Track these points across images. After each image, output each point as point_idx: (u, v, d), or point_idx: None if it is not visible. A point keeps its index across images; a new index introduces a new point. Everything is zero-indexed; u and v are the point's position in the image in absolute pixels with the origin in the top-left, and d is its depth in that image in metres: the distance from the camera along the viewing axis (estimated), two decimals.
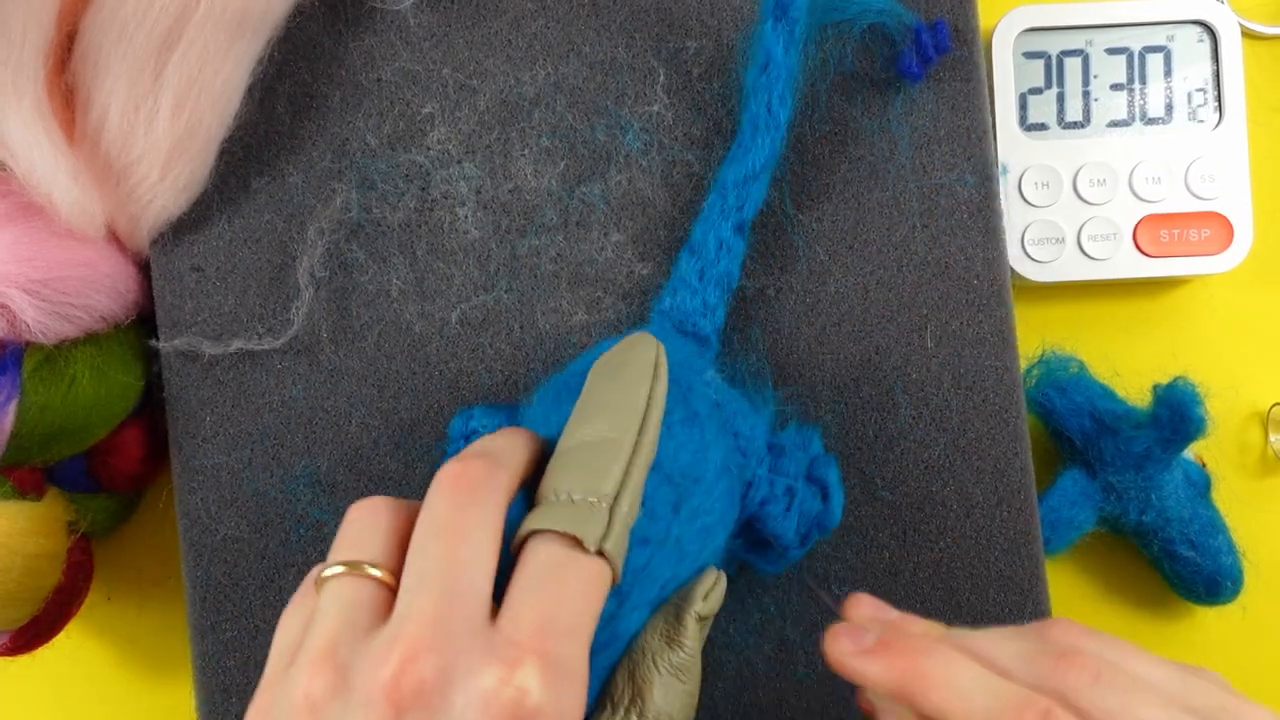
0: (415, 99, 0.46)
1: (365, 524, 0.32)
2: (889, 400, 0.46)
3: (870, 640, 0.33)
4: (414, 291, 0.46)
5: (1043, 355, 0.50)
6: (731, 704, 0.45)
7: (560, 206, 0.46)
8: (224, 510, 0.46)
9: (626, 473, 0.31)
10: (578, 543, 0.30)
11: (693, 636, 0.34)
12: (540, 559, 0.30)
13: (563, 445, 0.33)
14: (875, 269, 0.46)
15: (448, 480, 0.31)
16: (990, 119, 0.47)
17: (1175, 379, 0.47)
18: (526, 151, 0.46)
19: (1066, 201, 0.51)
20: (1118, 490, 0.49)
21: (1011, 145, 0.51)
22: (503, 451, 0.33)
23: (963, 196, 0.46)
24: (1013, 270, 0.50)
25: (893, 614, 0.36)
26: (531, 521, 0.31)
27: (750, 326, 0.46)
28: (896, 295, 0.46)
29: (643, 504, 0.33)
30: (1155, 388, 0.48)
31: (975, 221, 0.46)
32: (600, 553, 0.30)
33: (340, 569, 0.31)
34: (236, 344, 0.46)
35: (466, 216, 0.46)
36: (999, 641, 0.33)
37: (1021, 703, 0.30)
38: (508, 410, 0.43)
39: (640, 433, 0.32)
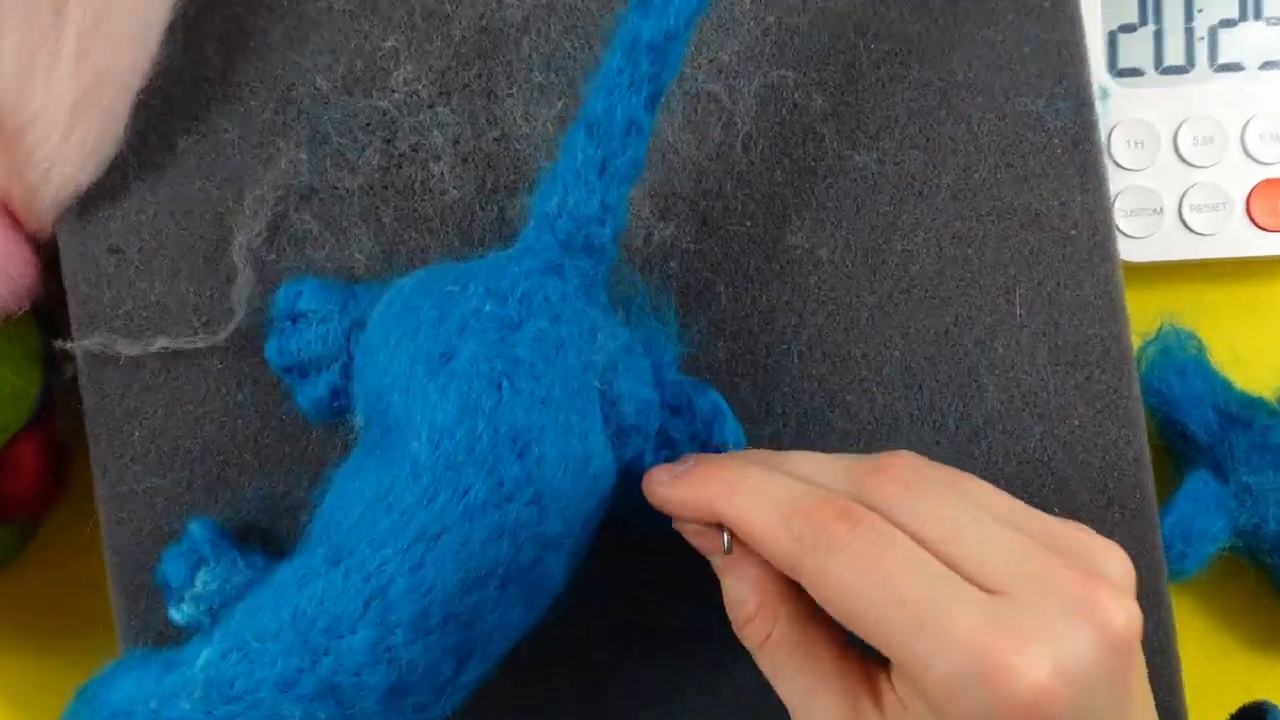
0: (374, 31, 0.41)
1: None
2: (972, 382, 0.40)
3: (683, 468, 0.34)
4: (381, 268, 0.41)
5: (1161, 330, 0.45)
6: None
7: (558, 157, 0.39)
8: (161, 545, 0.40)
9: None
10: None
11: None
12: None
13: None
14: (950, 220, 0.41)
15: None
16: (1084, 28, 0.41)
17: None
18: (515, 90, 0.41)
19: (1165, 164, 0.46)
20: (1254, 494, 0.44)
21: (1097, 95, 0.45)
22: None
23: (1054, 127, 0.41)
24: None
25: None
26: None
27: (796, 297, 0.40)
28: (977, 252, 0.41)
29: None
30: None
31: (1070, 158, 0.41)
32: None
33: None
34: (163, 341, 0.40)
35: (443, 173, 0.41)
36: (821, 460, 0.33)
37: (821, 501, 0.30)
38: (345, 293, 0.38)
39: None
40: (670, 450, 0.37)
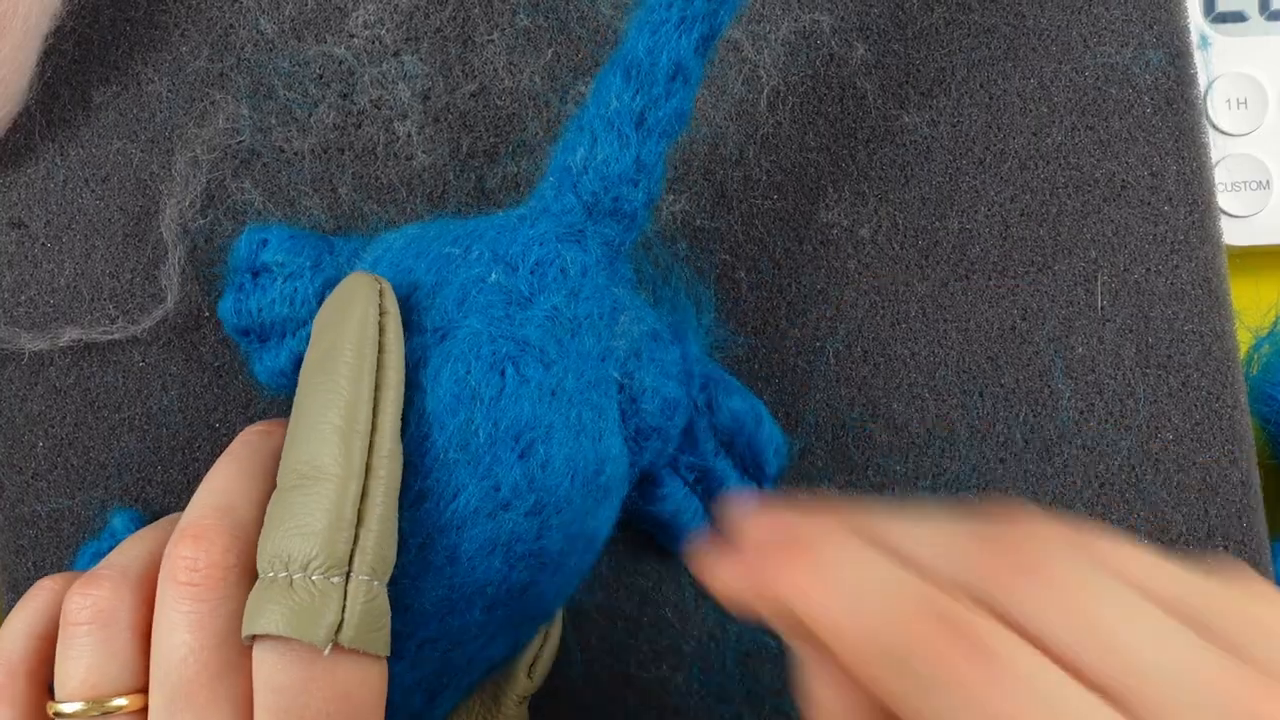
0: None
1: (101, 632, 0.29)
2: (1044, 387, 0.37)
3: (740, 527, 0.29)
4: None
5: (1275, 327, 0.41)
6: None
7: (548, 115, 0.39)
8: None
9: (359, 522, 0.28)
10: (312, 648, 0.28)
11: None
12: (270, 681, 0.28)
13: (280, 477, 0.30)
14: (1018, 193, 0.38)
15: (179, 574, 0.29)
16: None
17: None
18: (496, 36, 0.38)
19: (1275, 127, 0.43)
20: None
21: (1195, 46, 0.42)
22: (235, 506, 0.30)
23: (1144, 83, 0.38)
24: None
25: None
26: (249, 621, 0.28)
27: (832, 285, 0.37)
28: (1050, 232, 0.38)
29: (453, 545, 0.30)
30: None
31: (1163, 119, 0.38)
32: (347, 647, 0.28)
33: (80, 707, 0.29)
34: (75, 333, 0.37)
35: (410, 134, 0.38)
36: (926, 525, 0.27)
37: (927, 611, 0.24)
38: (319, 245, 0.35)
39: (371, 450, 0.29)
40: (694, 456, 0.34)
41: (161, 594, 0.28)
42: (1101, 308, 0.37)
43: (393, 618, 0.29)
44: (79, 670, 0.28)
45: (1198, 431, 0.37)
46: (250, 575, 0.29)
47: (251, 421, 0.37)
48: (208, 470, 0.36)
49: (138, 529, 0.35)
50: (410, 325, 0.30)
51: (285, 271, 0.35)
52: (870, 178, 0.37)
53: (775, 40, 0.37)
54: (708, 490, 0.34)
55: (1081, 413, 0.37)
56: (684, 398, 0.33)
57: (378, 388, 0.29)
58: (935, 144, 0.38)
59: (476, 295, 0.30)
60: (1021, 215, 0.37)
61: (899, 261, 0.37)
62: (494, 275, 0.31)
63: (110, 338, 0.37)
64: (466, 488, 0.29)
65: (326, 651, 0.27)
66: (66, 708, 0.28)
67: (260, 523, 0.29)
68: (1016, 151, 0.38)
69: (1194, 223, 0.37)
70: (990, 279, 0.37)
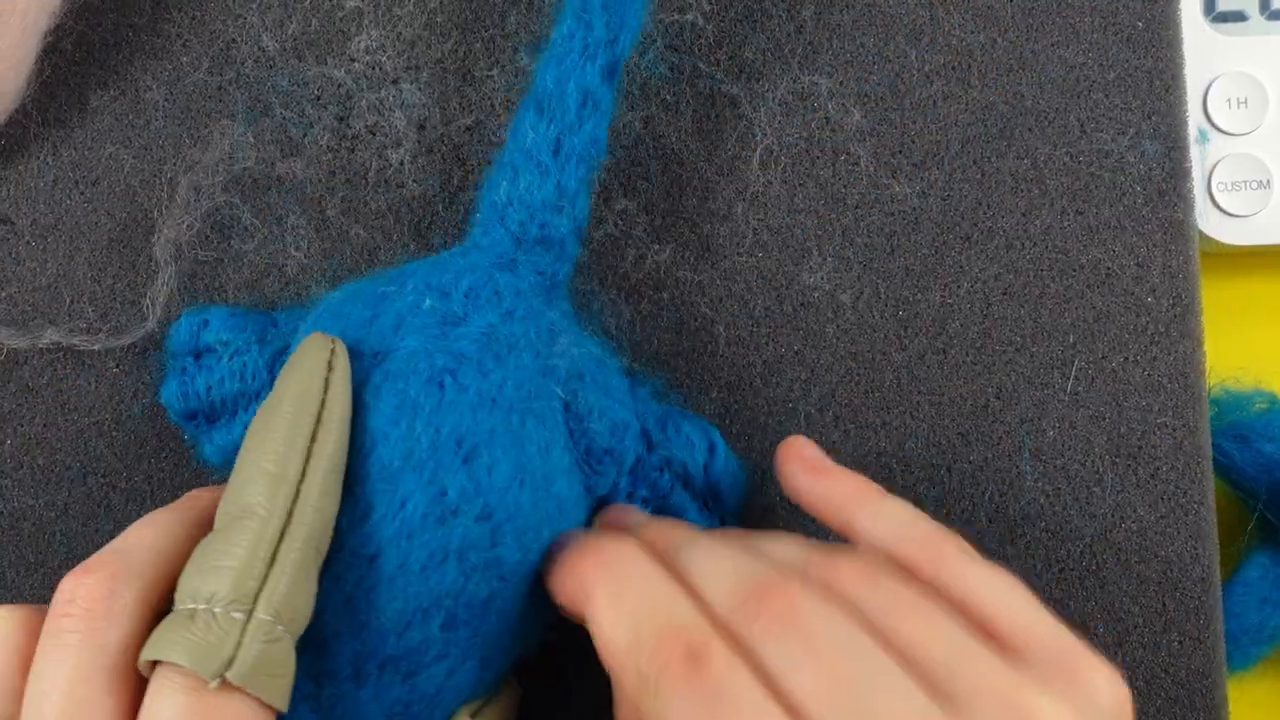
0: None
1: None
2: (1012, 467, 0.37)
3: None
4: (319, 269, 0.38)
5: (1211, 393, 0.42)
6: None
7: None
8: (28, 577, 0.38)
9: (273, 562, 0.28)
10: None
11: None
12: (154, 708, 0.28)
13: (215, 521, 0.30)
14: (1001, 272, 0.38)
15: (57, 606, 0.29)
16: (1183, 55, 0.39)
17: None
18: (496, 72, 0.38)
19: (1275, 127, 0.43)
20: None
21: (1194, 45, 0.42)
22: (136, 550, 0.30)
23: (1137, 172, 0.38)
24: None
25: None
26: (147, 648, 0.28)
27: (809, 347, 0.38)
28: (1031, 313, 0.38)
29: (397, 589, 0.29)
30: None
31: (1153, 210, 0.38)
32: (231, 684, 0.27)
33: None
34: (54, 335, 0.37)
35: (403, 162, 0.38)
36: (718, 548, 0.30)
37: (674, 630, 0.28)
38: (261, 320, 0.36)
39: (297, 497, 0.29)
40: (650, 492, 0.34)
41: (44, 631, 0.29)
42: (1075, 394, 0.37)
43: (352, 639, 0.29)
44: None
45: (1162, 525, 0.37)
46: (148, 612, 0.29)
47: None
48: (173, 479, 0.38)
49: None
50: (350, 354, 0.31)
51: (230, 350, 0.35)
52: (856, 244, 0.37)
53: (772, 99, 0.37)
54: None
55: (1047, 496, 0.37)
56: (633, 420, 0.33)
57: (314, 439, 0.30)
58: (924, 216, 0.38)
59: (412, 319, 0.31)
60: (1004, 294, 0.37)
61: (878, 330, 0.37)
62: (428, 301, 0.31)
63: (89, 345, 0.37)
64: (413, 495, 0.29)
65: (213, 684, 0.27)
66: None
67: (161, 566, 0.30)
68: (1004, 230, 0.38)
69: (1176, 316, 0.37)
70: (967, 355, 0.37)
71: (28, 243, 0.37)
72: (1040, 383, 0.37)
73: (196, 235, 0.37)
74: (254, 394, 0.34)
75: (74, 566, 0.35)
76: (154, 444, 0.37)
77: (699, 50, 0.38)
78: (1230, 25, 0.44)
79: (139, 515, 0.35)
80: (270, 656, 0.28)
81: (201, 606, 0.28)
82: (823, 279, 0.37)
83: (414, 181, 0.38)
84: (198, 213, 0.37)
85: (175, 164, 0.38)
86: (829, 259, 0.38)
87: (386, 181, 0.37)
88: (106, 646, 0.28)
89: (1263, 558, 0.42)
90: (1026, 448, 0.37)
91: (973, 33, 0.38)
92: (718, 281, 0.37)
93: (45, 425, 0.37)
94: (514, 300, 0.32)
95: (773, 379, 0.37)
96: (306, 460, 0.30)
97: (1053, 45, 0.38)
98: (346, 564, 0.29)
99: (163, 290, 0.37)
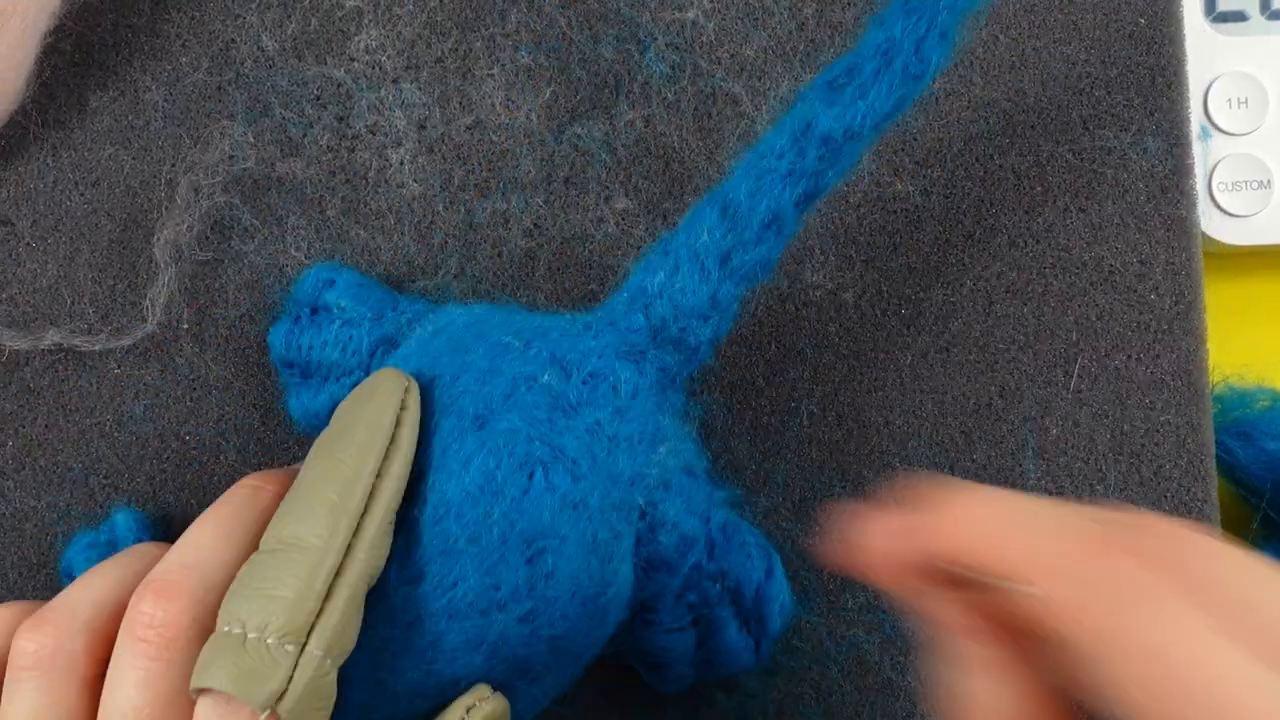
0: None
1: (44, 678, 0.29)
2: (1015, 466, 0.37)
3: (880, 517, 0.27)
4: None
5: (1214, 390, 0.41)
6: None
7: (542, 154, 0.39)
8: (29, 578, 0.38)
9: (327, 596, 0.28)
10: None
11: None
12: None
13: (263, 540, 0.30)
14: (1004, 270, 0.38)
15: (134, 628, 0.29)
16: (1185, 51, 0.39)
17: None
18: (496, 70, 0.38)
19: (1275, 127, 0.43)
20: None
21: (1195, 45, 0.42)
22: (205, 566, 0.30)
23: (1139, 169, 0.38)
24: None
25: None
26: (198, 675, 0.28)
27: (811, 346, 0.38)
28: (1034, 311, 0.38)
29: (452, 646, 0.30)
30: None
31: (1156, 207, 0.38)
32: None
33: None
34: (55, 336, 0.37)
35: (403, 162, 0.38)
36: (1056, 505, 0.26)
37: (1092, 534, 0.24)
38: (384, 299, 0.35)
39: (357, 533, 0.29)
40: (698, 598, 0.33)
41: (119, 645, 0.29)
42: (1078, 392, 0.37)
43: (364, 691, 0.29)
44: (21, 714, 0.28)
45: None
46: (208, 634, 0.29)
47: (223, 437, 0.38)
48: (175, 481, 0.38)
49: (137, 532, 0.36)
50: (451, 407, 0.30)
51: (345, 316, 0.35)
52: (858, 243, 0.37)
53: (774, 97, 0.38)
54: (702, 635, 0.33)
55: (1051, 494, 0.37)
56: (701, 536, 0.32)
57: (380, 476, 0.29)
58: (926, 214, 0.38)
59: (525, 393, 0.30)
60: (1007, 292, 0.37)
61: (880, 329, 0.37)
62: (546, 376, 0.30)
63: (91, 346, 0.37)
64: (467, 579, 0.29)
65: (263, 717, 0.27)
66: None
67: (228, 584, 0.29)
68: (1007, 228, 0.38)
69: (1179, 313, 0.37)
70: (970, 353, 0.37)
71: (28, 244, 0.37)
72: (1044, 381, 0.37)
73: (196, 235, 0.37)
74: (349, 370, 0.34)
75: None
76: (154, 446, 0.37)
77: (700, 48, 0.39)
78: (1230, 25, 0.44)
79: (149, 517, 0.37)
80: (318, 689, 0.28)
81: (253, 635, 0.28)
82: (825, 277, 0.38)
83: (414, 181, 0.38)
84: (198, 213, 0.37)
85: (175, 164, 0.38)
86: (831, 258, 0.38)
87: (387, 181, 0.37)
88: (181, 675, 0.28)
89: (1266, 555, 0.42)
90: (1030, 446, 0.37)
91: (975, 29, 0.38)
92: None
93: (46, 426, 0.37)
94: (629, 399, 0.31)
95: (775, 378, 0.37)
96: (370, 496, 0.29)
97: (1055, 42, 0.38)
98: (381, 619, 0.29)
99: (163, 291, 0.37)
